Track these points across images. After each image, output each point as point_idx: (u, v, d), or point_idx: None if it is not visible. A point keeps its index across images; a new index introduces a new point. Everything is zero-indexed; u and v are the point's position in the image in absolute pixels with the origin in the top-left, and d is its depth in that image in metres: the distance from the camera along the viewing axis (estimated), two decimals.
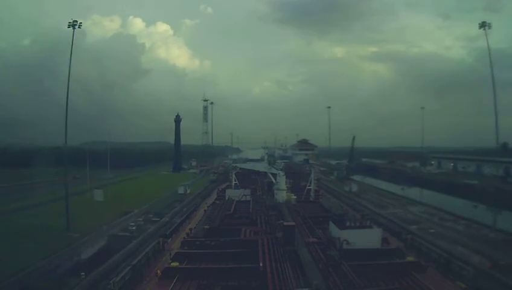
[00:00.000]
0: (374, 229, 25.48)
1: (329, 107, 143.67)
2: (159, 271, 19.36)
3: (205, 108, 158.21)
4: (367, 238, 23.25)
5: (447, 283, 18.65)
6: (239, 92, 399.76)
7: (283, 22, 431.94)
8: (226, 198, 43.39)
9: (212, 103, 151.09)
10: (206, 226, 28.49)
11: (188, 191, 69.47)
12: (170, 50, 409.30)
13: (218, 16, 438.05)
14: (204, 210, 39.21)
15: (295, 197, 43.24)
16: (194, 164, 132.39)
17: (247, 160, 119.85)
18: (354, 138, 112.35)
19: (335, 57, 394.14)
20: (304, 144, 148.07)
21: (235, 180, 52.12)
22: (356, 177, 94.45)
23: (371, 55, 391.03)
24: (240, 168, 64.42)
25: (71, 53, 46.23)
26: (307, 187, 47.23)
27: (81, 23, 47.13)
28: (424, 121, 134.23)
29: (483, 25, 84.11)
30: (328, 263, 19.10)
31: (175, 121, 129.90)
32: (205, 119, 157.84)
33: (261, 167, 58.72)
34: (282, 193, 42.21)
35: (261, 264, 18.86)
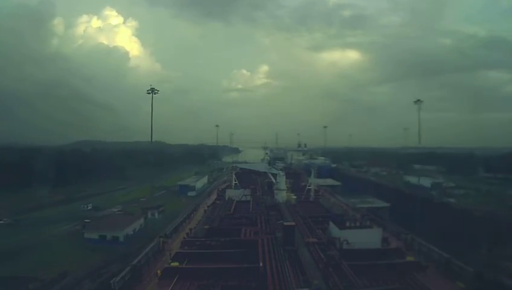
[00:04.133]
0: (374, 229, 25.47)
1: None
2: (159, 271, 19.37)
3: None
4: (367, 238, 23.24)
5: (446, 282, 18.65)
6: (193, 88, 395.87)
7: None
8: (226, 198, 43.41)
9: None
10: (206, 226, 28.49)
11: None
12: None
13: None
14: (204, 210, 39.19)
15: (295, 197, 43.29)
16: None
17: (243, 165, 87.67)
18: None
19: (275, 48, 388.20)
20: None
21: (235, 180, 52.13)
22: None
23: (317, 44, 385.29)
24: (240, 168, 64.49)
25: None
26: (307, 187, 47.21)
27: None
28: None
29: None
30: (328, 263, 19.10)
31: None
32: None
33: (261, 167, 58.77)
34: (282, 193, 42.30)
35: (261, 264, 18.86)
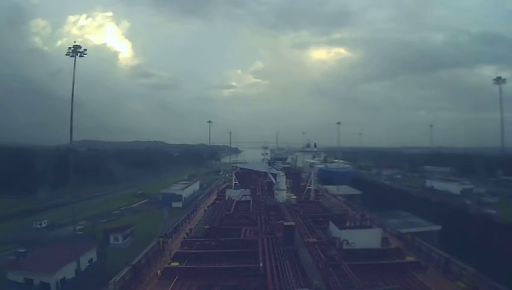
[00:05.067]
0: (374, 229, 25.45)
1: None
2: (159, 271, 19.37)
3: None
4: (367, 238, 23.25)
5: (446, 282, 18.64)
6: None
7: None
8: (226, 198, 43.40)
9: None
10: (206, 226, 28.52)
11: None
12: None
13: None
14: (204, 210, 39.19)
15: (295, 197, 43.30)
16: None
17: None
18: None
19: (261, 46, 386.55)
20: None
21: (235, 180, 52.12)
22: None
23: (304, 42, 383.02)
24: (240, 168, 64.46)
25: None
26: (307, 187, 47.20)
27: None
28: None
29: None
30: (328, 263, 19.10)
31: None
32: None
33: (261, 167, 58.73)
34: (282, 193, 42.33)
35: (261, 264, 18.88)
